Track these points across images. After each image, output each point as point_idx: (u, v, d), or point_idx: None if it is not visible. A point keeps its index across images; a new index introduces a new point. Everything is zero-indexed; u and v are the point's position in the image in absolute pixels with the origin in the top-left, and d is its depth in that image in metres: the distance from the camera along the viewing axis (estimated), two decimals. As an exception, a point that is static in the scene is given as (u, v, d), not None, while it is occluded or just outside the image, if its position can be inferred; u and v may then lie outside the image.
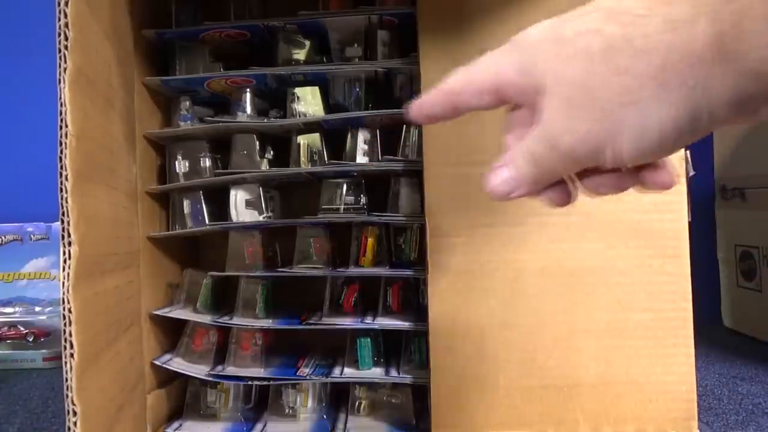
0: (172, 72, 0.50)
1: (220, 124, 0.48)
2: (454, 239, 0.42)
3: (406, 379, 0.46)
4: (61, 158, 0.29)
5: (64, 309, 0.28)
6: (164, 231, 0.50)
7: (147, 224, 0.48)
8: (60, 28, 0.29)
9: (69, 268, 0.28)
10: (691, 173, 0.40)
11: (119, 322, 0.37)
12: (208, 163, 0.50)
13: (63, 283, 0.28)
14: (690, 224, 0.41)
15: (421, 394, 0.50)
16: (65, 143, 0.29)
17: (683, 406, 0.42)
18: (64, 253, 0.29)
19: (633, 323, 0.42)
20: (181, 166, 0.50)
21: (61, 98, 0.29)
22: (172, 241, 0.52)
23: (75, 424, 0.28)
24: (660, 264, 0.42)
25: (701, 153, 0.64)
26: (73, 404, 0.28)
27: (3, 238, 0.77)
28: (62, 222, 0.29)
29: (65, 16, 0.29)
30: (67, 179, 0.29)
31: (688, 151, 0.40)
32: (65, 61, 0.29)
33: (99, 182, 0.34)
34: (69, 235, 0.28)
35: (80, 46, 0.30)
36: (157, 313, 0.47)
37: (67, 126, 0.29)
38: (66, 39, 0.29)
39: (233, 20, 0.50)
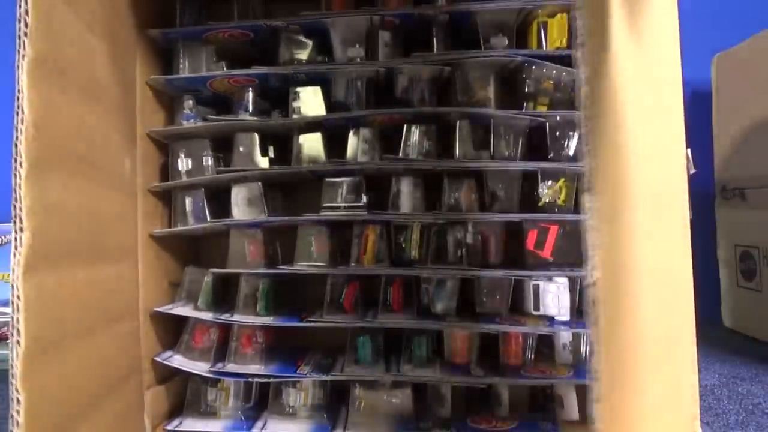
0: (175, 72, 0.50)
1: (222, 122, 0.48)
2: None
3: (407, 377, 0.46)
4: (16, 145, 0.28)
5: (13, 295, 0.28)
6: (166, 229, 0.50)
7: (149, 222, 0.48)
8: (20, 15, 0.29)
9: (20, 254, 0.28)
10: (693, 171, 0.40)
11: (99, 315, 0.37)
12: (210, 161, 0.50)
13: (13, 269, 0.28)
14: (691, 222, 0.41)
15: (421, 393, 0.50)
16: (21, 129, 0.28)
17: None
18: (16, 239, 0.28)
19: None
20: (184, 164, 0.50)
21: (18, 85, 0.28)
22: (174, 239, 0.53)
23: (18, 412, 0.27)
24: (666, 263, 0.41)
25: (701, 153, 0.64)
26: (17, 392, 0.27)
27: (2, 238, 0.77)
28: (14, 208, 0.28)
29: (25, 2, 0.29)
30: (21, 165, 0.28)
31: (689, 149, 0.40)
32: (24, 48, 0.29)
33: (69, 173, 0.33)
34: (21, 222, 0.28)
35: (44, 34, 0.30)
36: (158, 310, 0.47)
37: (23, 112, 0.28)
38: (26, 26, 0.29)
39: (236, 21, 0.50)
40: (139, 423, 0.44)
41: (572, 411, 0.47)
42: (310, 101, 0.50)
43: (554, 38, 0.49)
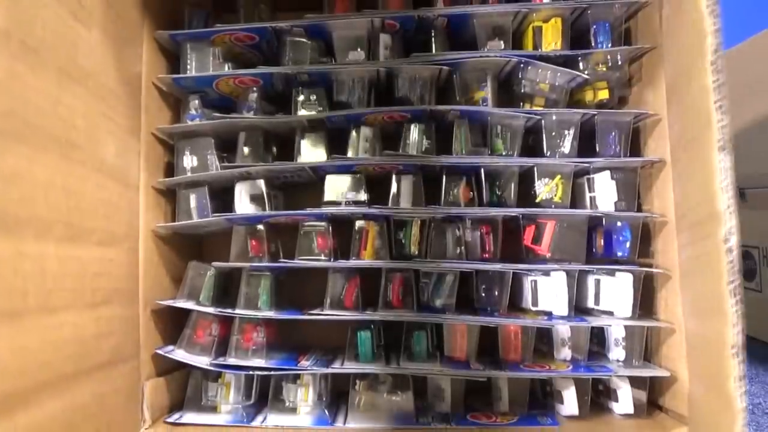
0: (182, 73, 0.52)
1: (227, 119, 0.50)
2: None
3: (407, 370, 0.46)
4: None
5: None
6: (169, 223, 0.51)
7: (152, 218, 0.49)
8: None
9: None
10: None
11: (78, 294, 0.37)
12: (215, 161, 0.52)
13: None
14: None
15: (421, 391, 0.50)
16: None
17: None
18: None
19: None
20: (189, 161, 0.51)
21: None
22: (177, 238, 0.54)
23: None
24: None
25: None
26: None
27: None
28: None
29: None
30: None
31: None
32: None
33: (37, 147, 0.33)
34: None
35: (6, 9, 0.30)
36: (159, 302, 0.48)
37: None
38: None
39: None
40: (131, 411, 0.44)
41: (572, 406, 0.47)
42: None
43: (549, 42, 0.51)
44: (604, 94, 0.52)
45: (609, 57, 0.50)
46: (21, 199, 0.31)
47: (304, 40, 0.51)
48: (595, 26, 0.51)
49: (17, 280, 0.31)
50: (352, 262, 0.48)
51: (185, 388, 0.50)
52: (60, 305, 0.35)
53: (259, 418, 0.48)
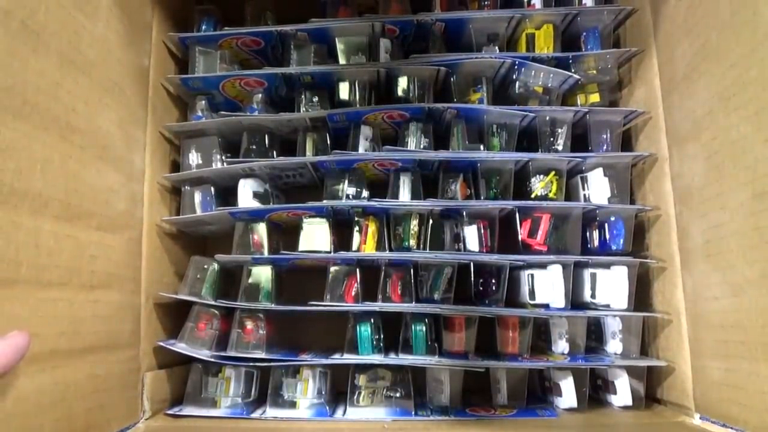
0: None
1: (233, 116, 0.51)
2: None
3: (406, 360, 0.47)
4: None
5: None
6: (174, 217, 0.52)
7: (156, 213, 0.50)
8: None
9: None
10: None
11: (73, 274, 0.37)
12: (219, 160, 0.53)
13: None
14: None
15: (420, 386, 0.50)
16: None
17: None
18: None
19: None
20: (195, 158, 0.53)
21: None
22: (182, 235, 0.55)
23: None
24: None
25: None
26: None
27: None
28: None
29: None
30: None
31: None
32: None
33: (36, 125, 0.33)
34: None
35: None
36: (162, 294, 0.49)
37: None
38: None
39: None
40: (129, 400, 0.44)
41: (570, 398, 0.47)
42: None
43: (541, 47, 0.53)
44: (595, 98, 0.54)
45: (599, 60, 0.52)
46: (17, 171, 0.31)
47: (308, 45, 0.53)
48: (585, 33, 0.54)
49: (10, 250, 0.31)
50: (353, 254, 0.49)
51: (185, 384, 0.50)
52: (54, 281, 0.35)
53: (258, 411, 0.48)
